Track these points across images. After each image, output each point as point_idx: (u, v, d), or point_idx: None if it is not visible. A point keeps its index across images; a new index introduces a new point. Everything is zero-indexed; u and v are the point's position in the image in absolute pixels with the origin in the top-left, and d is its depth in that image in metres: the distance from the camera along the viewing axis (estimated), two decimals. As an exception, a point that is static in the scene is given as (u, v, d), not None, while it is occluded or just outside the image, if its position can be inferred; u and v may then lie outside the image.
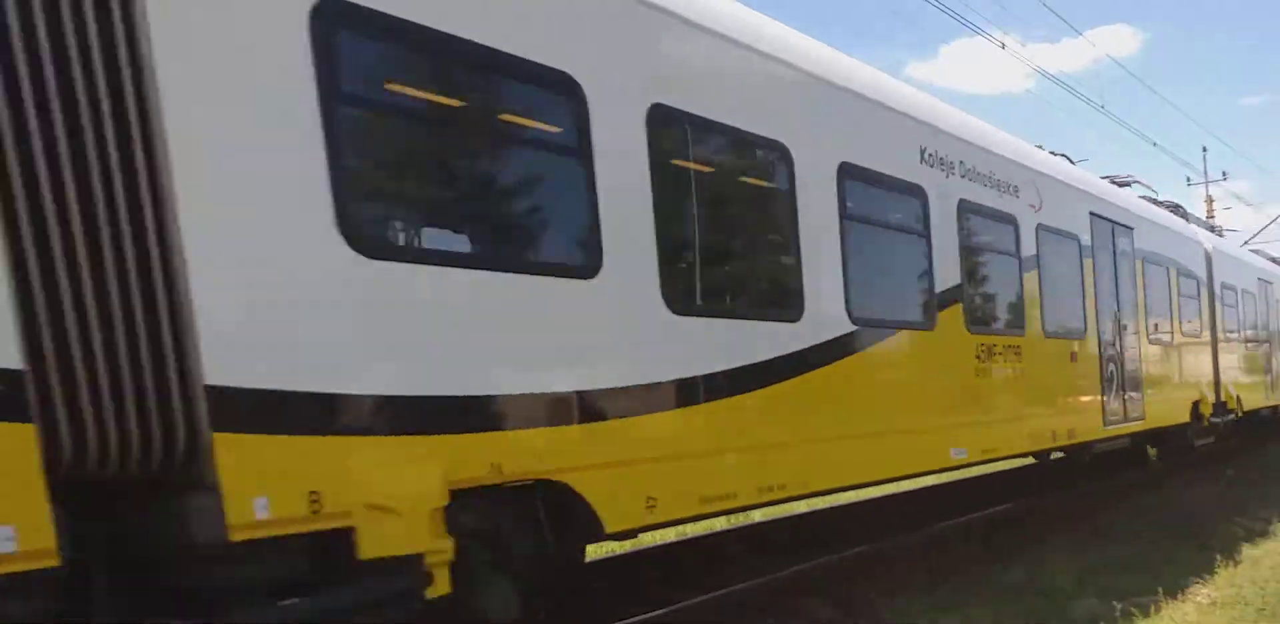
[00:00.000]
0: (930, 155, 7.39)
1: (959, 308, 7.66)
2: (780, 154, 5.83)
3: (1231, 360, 15.37)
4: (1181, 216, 15.01)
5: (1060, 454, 10.49)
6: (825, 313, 6.08)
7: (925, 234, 7.34)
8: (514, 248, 4.56)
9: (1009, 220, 8.65)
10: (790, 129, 5.91)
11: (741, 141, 5.74)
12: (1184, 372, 13.19)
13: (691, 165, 5.30)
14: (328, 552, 3.43)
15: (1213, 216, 37.41)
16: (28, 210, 2.72)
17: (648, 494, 4.66)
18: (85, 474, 2.85)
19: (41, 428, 2.71)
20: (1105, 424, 10.15)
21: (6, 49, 2.70)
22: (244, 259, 3.24)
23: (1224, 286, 15.25)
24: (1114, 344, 10.52)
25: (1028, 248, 8.87)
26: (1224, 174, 41.07)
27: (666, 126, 5.05)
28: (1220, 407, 14.24)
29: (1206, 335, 14.36)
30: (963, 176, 7.83)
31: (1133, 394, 10.93)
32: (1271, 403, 17.75)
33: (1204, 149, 77.55)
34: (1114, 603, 6.32)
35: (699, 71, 5.36)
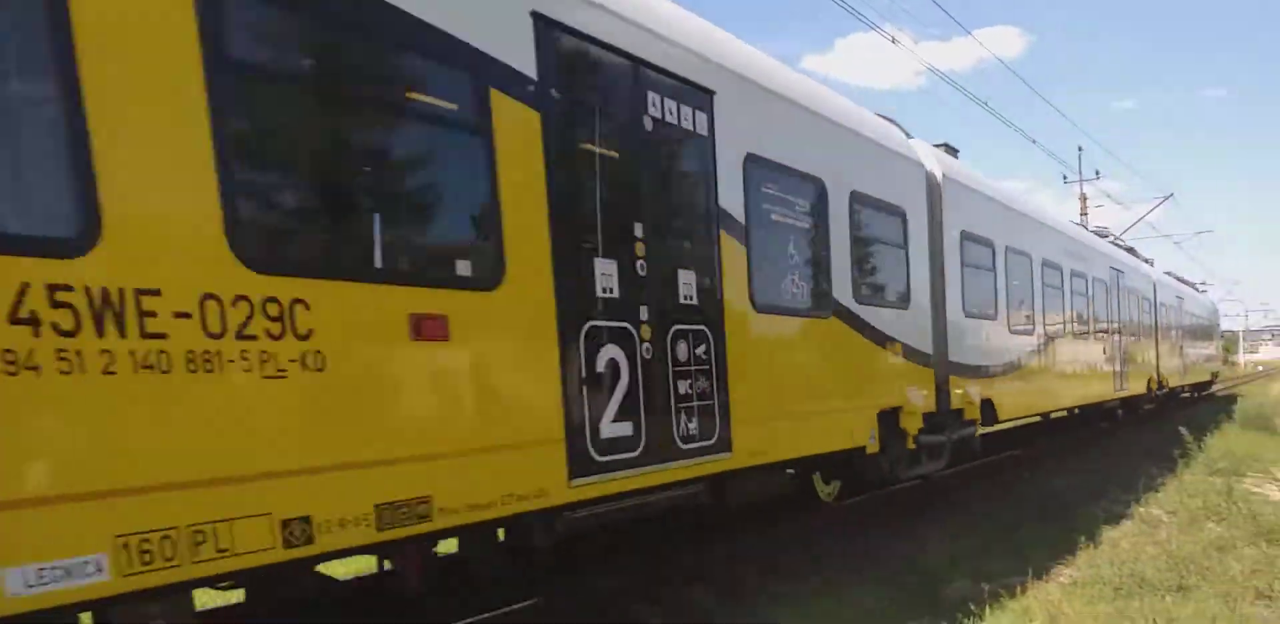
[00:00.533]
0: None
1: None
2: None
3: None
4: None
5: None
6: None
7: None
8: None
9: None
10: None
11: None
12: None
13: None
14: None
15: (1086, 213, 39.27)
16: None
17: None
18: None
19: None
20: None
21: None
22: None
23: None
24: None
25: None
26: (1097, 173, 43.22)
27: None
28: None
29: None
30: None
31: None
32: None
33: (1079, 148, 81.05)
34: (983, 585, 6.57)
35: None
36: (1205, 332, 35.04)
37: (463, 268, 4.32)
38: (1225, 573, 7.17)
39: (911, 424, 8.49)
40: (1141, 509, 9.89)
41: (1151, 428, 20.06)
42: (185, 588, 3.24)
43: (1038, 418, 15.69)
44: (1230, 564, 7.55)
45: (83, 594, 2.84)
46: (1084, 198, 39.28)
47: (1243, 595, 6.58)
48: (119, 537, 2.93)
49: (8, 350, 2.68)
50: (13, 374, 2.69)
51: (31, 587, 2.73)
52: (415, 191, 4.34)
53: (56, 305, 2.78)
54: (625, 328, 5.02)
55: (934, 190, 9.60)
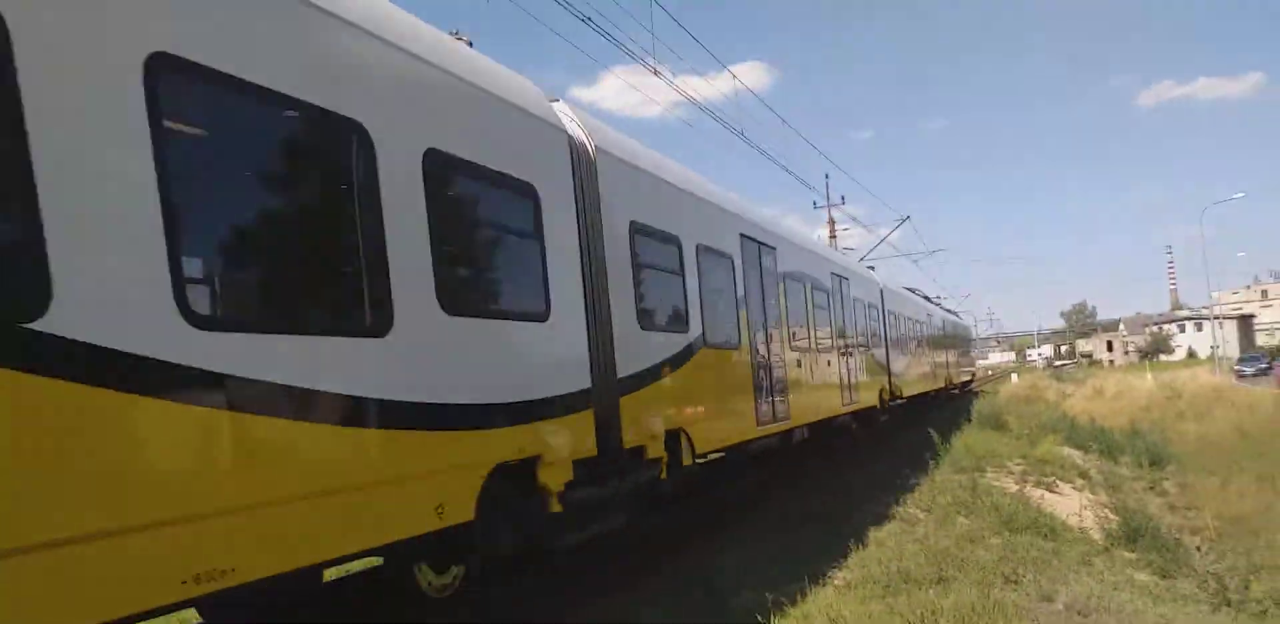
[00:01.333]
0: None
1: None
2: None
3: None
4: None
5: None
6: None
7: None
8: None
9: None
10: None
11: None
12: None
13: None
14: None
15: (835, 236, 42.22)
16: None
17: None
18: None
19: None
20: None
21: None
22: None
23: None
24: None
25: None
26: (843, 198, 46.64)
27: None
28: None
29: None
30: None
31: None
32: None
33: (826, 176, 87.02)
34: (766, 594, 6.88)
35: None
36: (963, 341, 41.47)
37: None
38: (977, 563, 7.87)
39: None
40: (901, 509, 10.67)
41: (908, 432, 21.71)
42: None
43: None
44: (980, 554, 8.31)
45: None
46: (832, 221, 42.32)
47: (993, 582, 7.25)
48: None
49: None
50: None
51: None
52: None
53: None
54: None
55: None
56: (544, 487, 6.24)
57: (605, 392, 7.20)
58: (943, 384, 32.85)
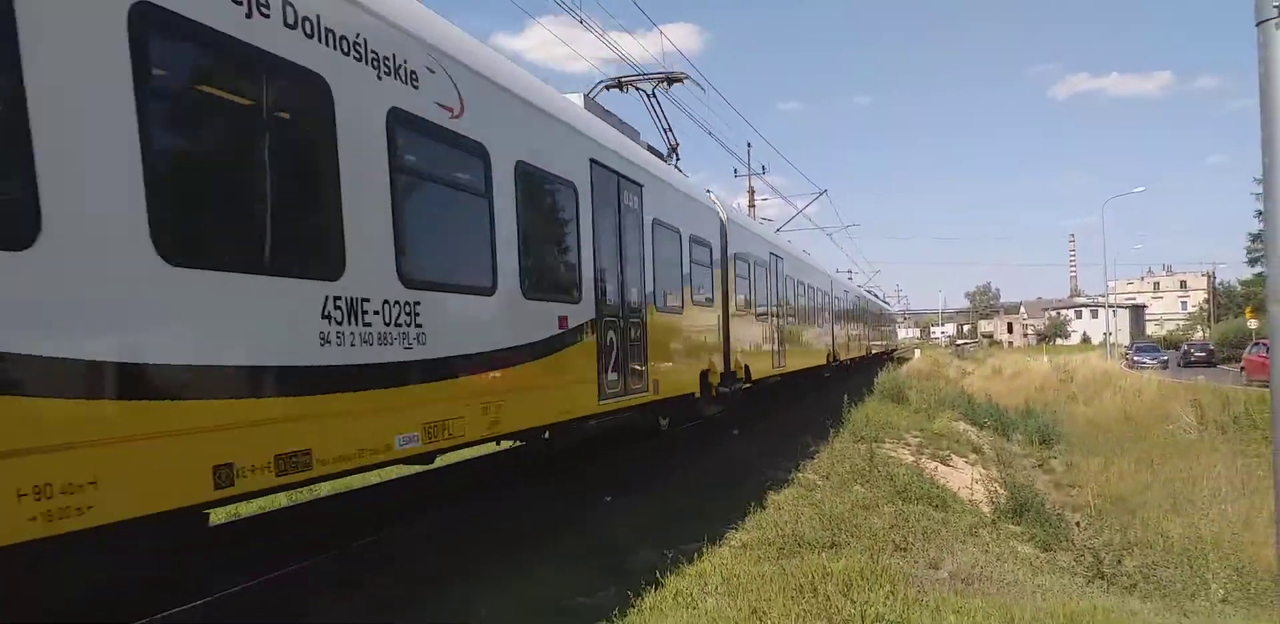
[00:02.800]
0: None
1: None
2: None
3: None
4: None
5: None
6: None
7: None
8: None
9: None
10: None
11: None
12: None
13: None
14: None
15: (754, 205, 42.51)
16: None
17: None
18: None
19: None
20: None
21: None
22: None
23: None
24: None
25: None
26: (764, 168, 46.90)
27: None
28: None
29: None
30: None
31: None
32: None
33: (749, 144, 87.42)
34: (665, 552, 6.95)
35: None
36: (888, 318, 56.80)
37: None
38: (870, 529, 8.09)
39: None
40: (800, 475, 10.90)
41: (815, 401, 22.14)
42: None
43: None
44: (873, 521, 8.54)
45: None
46: (752, 191, 42.58)
47: (884, 548, 7.46)
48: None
49: None
50: None
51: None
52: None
53: None
54: None
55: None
56: (711, 384, 12.46)
57: (725, 341, 13.63)
58: (892, 347, 39.96)
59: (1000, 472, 15.80)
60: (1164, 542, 10.61)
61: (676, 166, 13.61)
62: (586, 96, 9.89)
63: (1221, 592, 7.97)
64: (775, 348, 17.51)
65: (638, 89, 14.78)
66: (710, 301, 12.83)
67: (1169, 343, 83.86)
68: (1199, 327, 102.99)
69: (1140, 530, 11.69)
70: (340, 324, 4.84)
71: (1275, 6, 5.85)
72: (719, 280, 13.36)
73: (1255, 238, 57.57)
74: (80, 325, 3.50)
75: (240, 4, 4.27)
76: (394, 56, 5.41)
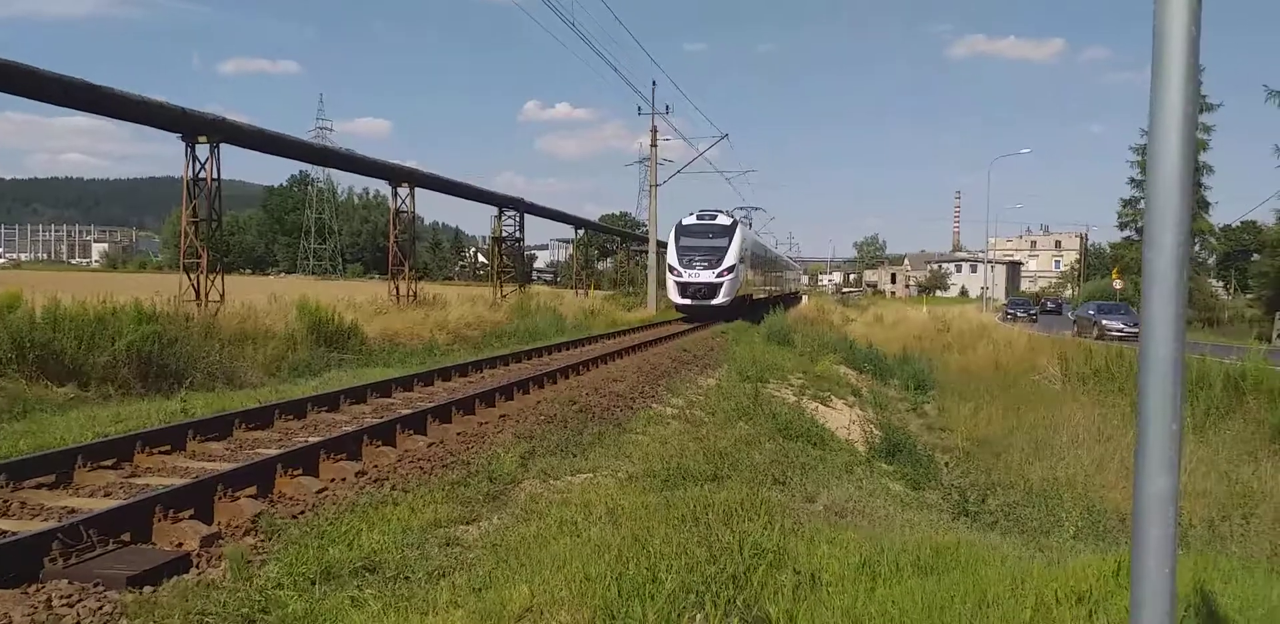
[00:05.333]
0: None
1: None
2: None
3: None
4: None
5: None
6: None
7: None
8: None
9: None
10: None
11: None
12: None
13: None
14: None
15: (656, 145, 42.32)
16: None
17: None
18: None
19: None
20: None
21: None
22: None
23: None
24: None
25: None
26: (668, 108, 46.47)
27: None
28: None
29: None
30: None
31: None
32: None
33: (653, 83, 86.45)
34: (551, 481, 6.97)
35: None
36: (796, 271, 78.23)
37: None
38: (751, 464, 8.27)
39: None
40: (688, 411, 11.05)
41: (716, 342, 22.43)
42: None
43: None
44: (755, 457, 8.74)
45: None
46: (655, 130, 42.34)
47: (763, 482, 7.64)
48: None
49: None
50: None
51: None
52: None
53: None
54: None
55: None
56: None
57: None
58: (798, 291, 61.96)
59: (876, 414, 16.39)
60: (1025, 483, 11.20)
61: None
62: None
63: (1073, 529, 8.46)
64: (761, 285, 43.05)
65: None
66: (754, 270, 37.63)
67: (1039, 298, 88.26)
68: (1069, 285, 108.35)
69: (1004, 472, 12.32)
70: None
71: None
72: (751, 260, 36.14)
73: (1127, 203, 60.27)
74: None
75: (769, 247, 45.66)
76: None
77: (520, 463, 7.78)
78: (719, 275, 32.29)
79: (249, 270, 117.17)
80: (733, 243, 32.80)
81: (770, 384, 15.28)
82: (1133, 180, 58.86)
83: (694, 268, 32.44)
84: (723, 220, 33.82)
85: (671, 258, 33.18)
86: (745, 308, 35.72)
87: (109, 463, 7.35)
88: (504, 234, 40.80)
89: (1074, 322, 41.54)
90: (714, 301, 32.25)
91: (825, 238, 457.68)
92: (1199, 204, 54.28)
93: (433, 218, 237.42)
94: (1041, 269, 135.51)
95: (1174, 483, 2.00)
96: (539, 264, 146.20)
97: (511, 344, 21.57)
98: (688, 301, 32.70)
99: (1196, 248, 57.12)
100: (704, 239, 32.91)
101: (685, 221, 34.07)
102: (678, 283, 32.74)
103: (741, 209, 51.50)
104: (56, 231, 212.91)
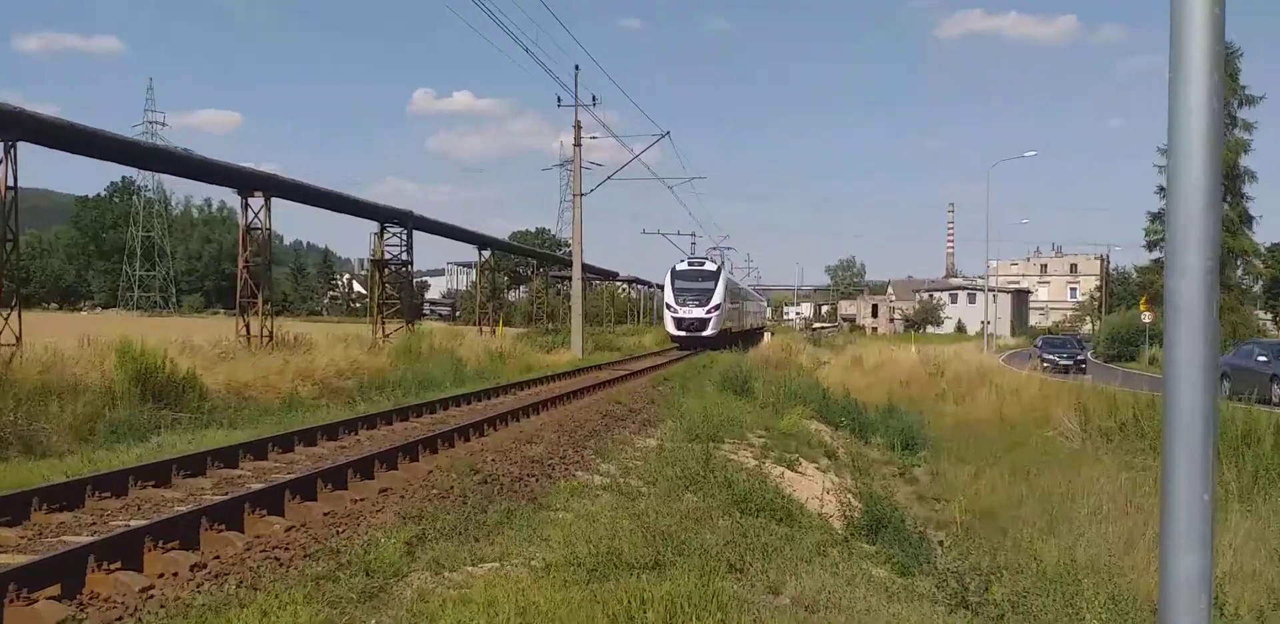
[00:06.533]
0: None
1: None
2: None
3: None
4: None
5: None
6: None
7: None
8: None
9: None
10: None
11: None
12: None
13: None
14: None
15: (580, 144, 42.51)
16: None
17: None
18: None
19: None
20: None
21: None
22: None
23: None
24: None
25: None
26: (595, 99, 46.43)
27: None
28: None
29: None
30: None
31: None
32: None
33: (576, 67, 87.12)
34: (446, 574, 6.87)
35: None
36: (761, 305, 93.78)
37: None
38: (701, 546, 8.26)
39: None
40: (622, 480, 11.02)
41: (657, 392, 22.43)
42: None
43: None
44: (706, 537, 8.73)
45: None
46: (578, 126, 42.57)
47: (716, 569, 7.64)
48: None
49: None
50: None
51: None
52: None
53: None
54: None
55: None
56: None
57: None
58: (763, 325, 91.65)
59: (856, 480, 16.52)
60: (1037, 566, 11.35)
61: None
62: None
63: (1096, 623, 8.59)
64: (736, 320, 61.62)
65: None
66: (732, 305, 57.67)
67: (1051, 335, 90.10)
68: (1088, 318, 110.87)
69: (1011, 552, 12.48)
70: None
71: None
72: (730, 298, 55.66)
73: (1154, 218, 60.06)
74: None
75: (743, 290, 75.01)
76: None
77: (406, 550, 7.66)
78: (708, 312, 50.38)
79: (55, 305, 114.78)
80: (718, 285, 51.30)
81: (725, 444, 15.34)
82: (1161, 189, 58.76)
83: (687, 305, 50.56)
84: (709, 266, 53.99)
85: (669, 298, 51.86)
86: (727, 338, 51.66)
87: None
88: (387, 256, 40.53)
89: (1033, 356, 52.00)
90: (704, 333, 50.07)
91: (791, 260, 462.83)
92: (1241, 218, 55.21)
93: (295, 236, 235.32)
94: (1054, 299, 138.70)
95: (1205, 563, 2.01)
96: (433, 294, 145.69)
97: (397, 397, 21.34)
98: (683, 333, 50.71)
99: (1239, 272, 57.71)
100: (695, 282, 51.27)
101: (679, 267, 52.81)
102: (674, 317, 51.12)
103: (715, 250, 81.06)
104: None
